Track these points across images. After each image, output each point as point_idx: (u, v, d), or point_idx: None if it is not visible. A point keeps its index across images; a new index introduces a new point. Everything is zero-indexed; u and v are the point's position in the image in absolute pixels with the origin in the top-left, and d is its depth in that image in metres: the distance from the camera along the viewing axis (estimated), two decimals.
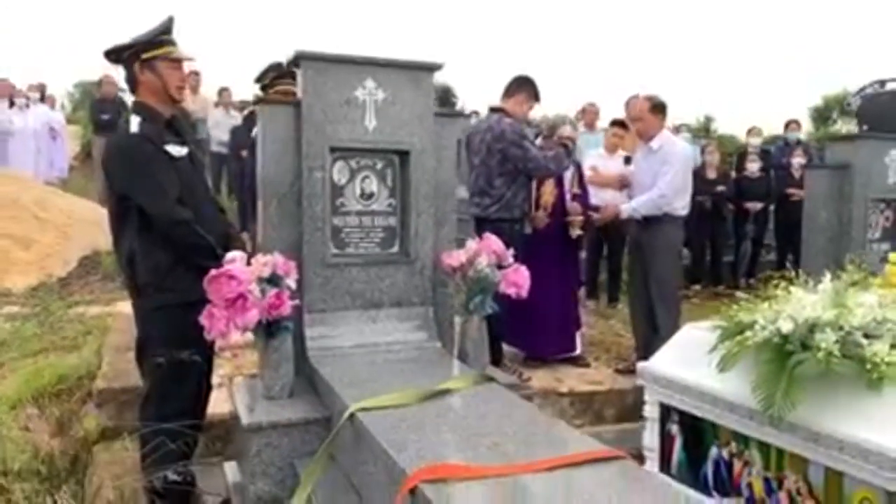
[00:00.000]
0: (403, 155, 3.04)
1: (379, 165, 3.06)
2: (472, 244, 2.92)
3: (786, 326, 2.48)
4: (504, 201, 4.18)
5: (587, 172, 6.15)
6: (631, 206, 4.41)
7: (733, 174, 8.28)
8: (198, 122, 9.42)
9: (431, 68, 3.03)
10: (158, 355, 2.67)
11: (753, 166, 7.91)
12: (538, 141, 4.72)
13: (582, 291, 7.08)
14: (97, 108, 9.52)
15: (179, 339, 2.61)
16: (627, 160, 5.06)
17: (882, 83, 6.88)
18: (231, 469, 2.95)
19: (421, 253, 3.08)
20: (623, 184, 4.89)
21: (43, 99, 10.67)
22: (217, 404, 3.30)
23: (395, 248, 3.10)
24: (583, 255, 7.25)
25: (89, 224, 7.47)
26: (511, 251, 3.02)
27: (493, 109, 4.38)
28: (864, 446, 2.13)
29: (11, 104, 9.95)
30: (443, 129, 3.13)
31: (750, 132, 8.73)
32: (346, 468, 2.33)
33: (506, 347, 4.64)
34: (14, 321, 5.33)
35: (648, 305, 4.46)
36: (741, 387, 2.54)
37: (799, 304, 2.57)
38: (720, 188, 7.74)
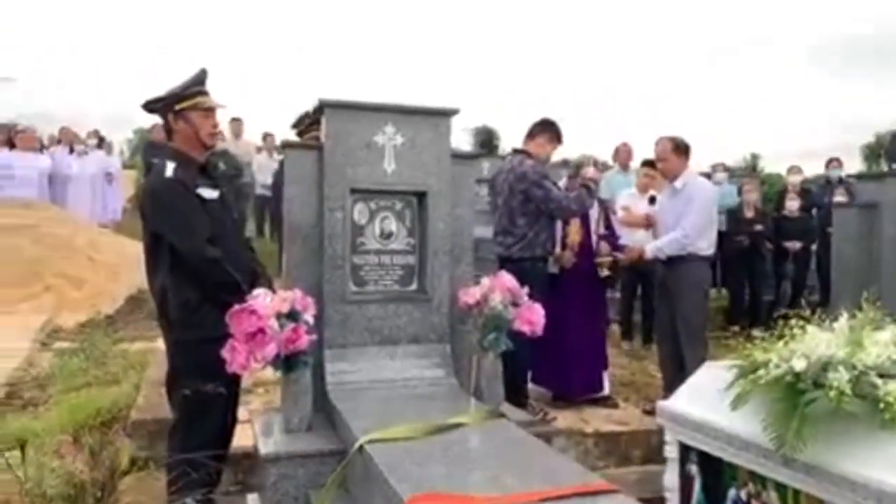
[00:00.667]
0: (421, 196, 3.16)
1: (398, 206, 3.18)
2: (486, 281, 2.99)
3: (798, 365, 2.46)
4: (526, 241, 4.24)
5: (619, 212, 6.18)
6: (655, 246, 4.42)
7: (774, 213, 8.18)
8: (245, 166, 9.79)
9: (448, 113, 3.16)
10: (186, 387, 2.80)
11: (793, 205, 7.81)
12: (563, 181, 4.79)
13: (616, 332, 7.06)
14: (148, 153, 10.00)
15: (206, 373, 2.74)
16: (652, 200, 5.08)
17: None
18: (253, 501, 3.03)
19: (438, 290, 3.17)
20: (649, 223, 4.90)
21: (100, 145, 11.25)
22: (244, 438, 3.41)
23: (414, 286, 3.20)
24: (617, 295, 7.25)
25: (137, 264, 7.76)
26: (526, 289, 3.07)
27: (516, 151, 4.49)
28: (878, 487, 2.09)
29: (71, 150, 10.54)
30: (460, 171, 3.24)
31: (790, 171, 8.63)
32: (358, 501, 2.39)
33: (533, 387, 4.65)
34: (63, 356, 5.59)
35: (676, 345, 4.43)
36: (757, 426, 2.52)
37: (813, 342, 2.56)
38: (758, 227, 7.65)
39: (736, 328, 7.56)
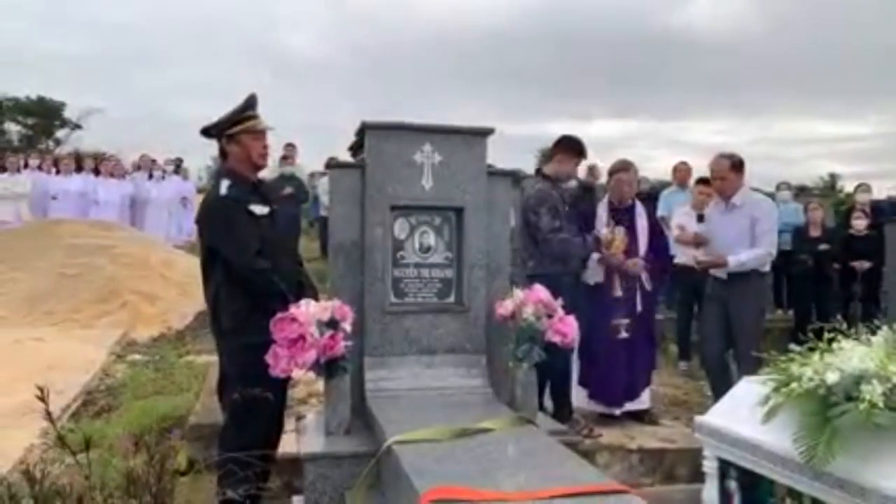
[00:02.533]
0: (458, 211, 3.28)
1: (436, 221, 3.31)
2: (519, 294, 3.07)
3: (831, 378, 2.44)
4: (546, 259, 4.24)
5: (675, 231, 6.12)
6: (738, 261, 4.30)
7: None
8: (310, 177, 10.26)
9: (484, 133, 3.28)
10: (235, 391, 2.98)
11: (860, 223, 7.54)
12: (539, 184, 4.45)
13: (674, 351, 6.94)
14: (215, 175, 10.50)
15: (254, 377, 2.90)
16: (700, 218, 5.02)
17: None
18: (298, 502, 3.17)
19: (475, 302, 3.27)
20: (698, 242, 4.85)
21: (178, 171, 11.90)
22: (292, 444, 3.57)
23: (451, 298, 3.31)
24: (674, 315, 7.13)
25: None
26: (560, 301, 3.13)
27: (537, 173, 4.54)
28: None
29: (150, 176, 11.21)
30: (496, 188, 3.35)
31: (858, 189, 8.36)
32: (389, 501, 2.50)
33: (578, 404, 4.64)
34: (135, 367, 5.95)
35: (723, 361, 4.40)
36: (790, 440, 2.50)
37: (848, 355, 2.53)
38: (823, 246, 7.43)
39: (800, 349, 7.29)
